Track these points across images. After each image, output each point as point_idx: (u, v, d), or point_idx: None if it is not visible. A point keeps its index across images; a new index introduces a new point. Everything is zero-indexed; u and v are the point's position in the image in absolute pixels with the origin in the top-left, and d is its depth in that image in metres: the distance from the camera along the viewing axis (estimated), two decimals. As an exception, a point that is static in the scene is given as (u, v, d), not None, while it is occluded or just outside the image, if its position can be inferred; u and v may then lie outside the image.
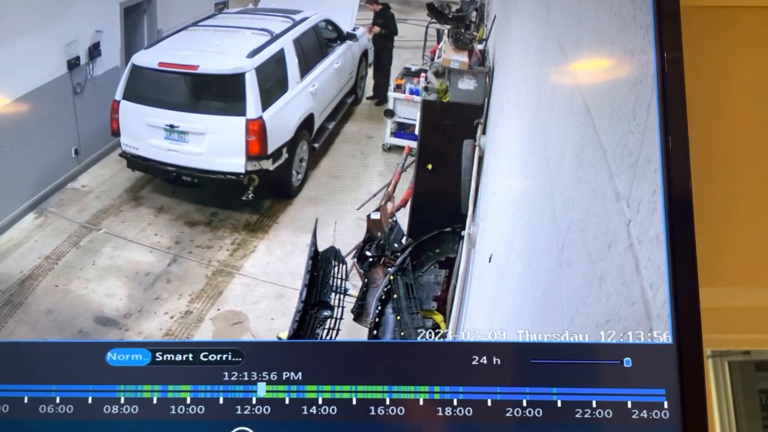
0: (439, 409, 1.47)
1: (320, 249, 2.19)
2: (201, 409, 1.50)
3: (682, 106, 1.52)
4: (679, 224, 1.46)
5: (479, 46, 2.93)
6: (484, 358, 1.50)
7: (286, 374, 1.51)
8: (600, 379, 1.47)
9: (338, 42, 3.13)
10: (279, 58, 2.81)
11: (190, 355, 1.55)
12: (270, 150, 2.61)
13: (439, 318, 2.06)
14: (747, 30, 2.06)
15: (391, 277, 2.19)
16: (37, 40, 2.55)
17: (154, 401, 1.51)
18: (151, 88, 2.71)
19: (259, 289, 2.26)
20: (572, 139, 1.65)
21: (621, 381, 1.46)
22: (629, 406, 1.45)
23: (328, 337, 2.03)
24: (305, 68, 2.89)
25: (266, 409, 1.50)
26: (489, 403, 1.47)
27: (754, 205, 1.98)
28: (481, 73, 2.76)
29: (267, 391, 1.51)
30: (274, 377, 1.51)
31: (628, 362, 1.47)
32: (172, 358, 1.55)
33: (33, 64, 2.50)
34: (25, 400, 1.52)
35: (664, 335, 1.44)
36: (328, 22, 3.14)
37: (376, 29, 3.07)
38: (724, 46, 2.05)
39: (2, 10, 2.35)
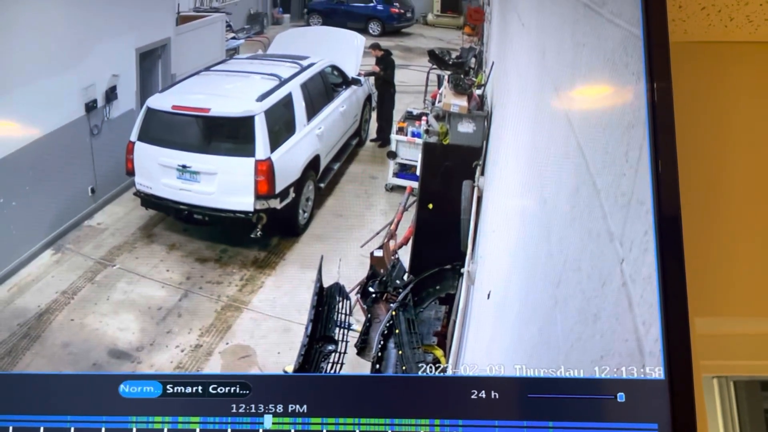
0: (439, 441, 1.50)
1: (325, 285, 2.22)
2: (210, 440, 1.52)
3: (672, 149, 1.56)
4: (670, 263, 1.49)
5: (478, 91, 2.98)
6: (483, 392, 1.53)
7: (291, 407, 1.54)
8: (595, 413, 1.50)
9: (343, 87, 3.19)
10: (287, 101, 2.86)
11: (200, 388, 1.57)
12: (278, 189, 2.65)
13: (439, 353, 2.07)
14: (740, 64, 2.12)
15: (393, 313, 2.21)
16: (56, 84, 2.62)
17: (165, 432, 1.54)
18: (164, 129, 2.76)
19: (267, 324, 2.28)
20: (567, 180, 1.67)
21: (615, 415, 1.49)
22: (623, 439, 1.47)
23: (332, 371, 2.06)
24: (312, 111, 2.94)
25: (272, 441, 1.52)
26: (487, 437, 1.49)
27: (752, 236, 2.02)
28: (480, 116, 2.80)
29: (273, 423, 1.53)
30: (280, 409, 1.54)
31: (621, 397, 1.49)
32: (183, 390, 1.57)
33: (52, 106, 2.55)
34: (41, 431, 1.54)
35: (656, 371, 1.46)
36: (334, 67, 3.20)
37: (377, 68, 3.13)
38: (717, 80, 2.10)
39: (24, 54, 2.44)
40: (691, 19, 2.03)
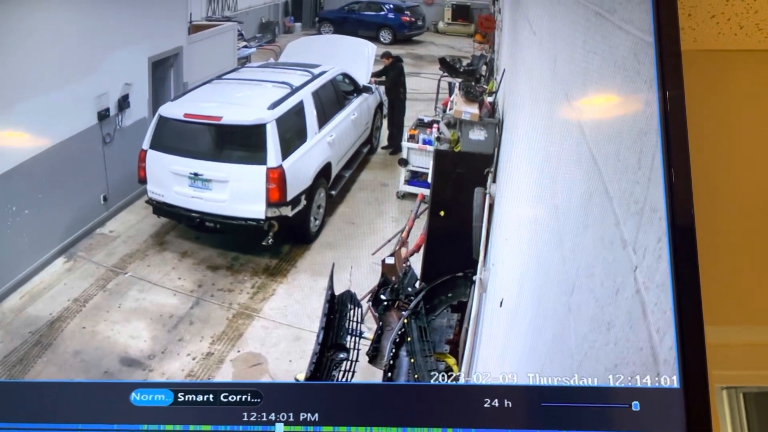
0: (452, 450, 1.49)
1: (337, 293, 2.22)
2: (221, 449, 1.52)
3: (686, 157, 1.55)
4: (684, 271, 1.48)
5: (489, 99, 2.98)
6: (496, 400, 1.52)
7: (303, 415, 1.54)
8: (609, 422, 1.49)
9: (355, 94, 3.21)
10: (298, 109, 2.88)
11: (211, 396, 1.58)
12: (289, 197, 2.67)
13: (451, 361, 2.07)
14: (750, 72, 2.11)
15: (405, 321, 2.21)
16: (69, 93, 2.66)
17: (176, 440, 1.54)
18: (176, 138, 2.79)
19: (278, 332, 2.29)
20: (579, 187, 1.67)
21: (629, 424, 1.48)
22: (638, 449, 1.46)
23: (344, 379, 2.05)
24: (323, 119, 2.95)
25: (284, 449, 1.52)
26: (501, 446, 1.49)
27: (759, 245, 2.00)
28: (491, 124, 2.81)
29: (284, 432, 1.53)
30: (291, 418, 1.54)
31: (636, 406, 1.48)
32: (194, 399, 1.58)
33: (66, 115, 2.59)
34: (52, 439, 1.55)
35: (671, 379, 1.45)
36: (346, 75, 3.22)
37: (373, 80, 3.17)
38: (727, 88, 2.10)
39: (37, 64, 2.47)
40: (701, 27, 2.04)
